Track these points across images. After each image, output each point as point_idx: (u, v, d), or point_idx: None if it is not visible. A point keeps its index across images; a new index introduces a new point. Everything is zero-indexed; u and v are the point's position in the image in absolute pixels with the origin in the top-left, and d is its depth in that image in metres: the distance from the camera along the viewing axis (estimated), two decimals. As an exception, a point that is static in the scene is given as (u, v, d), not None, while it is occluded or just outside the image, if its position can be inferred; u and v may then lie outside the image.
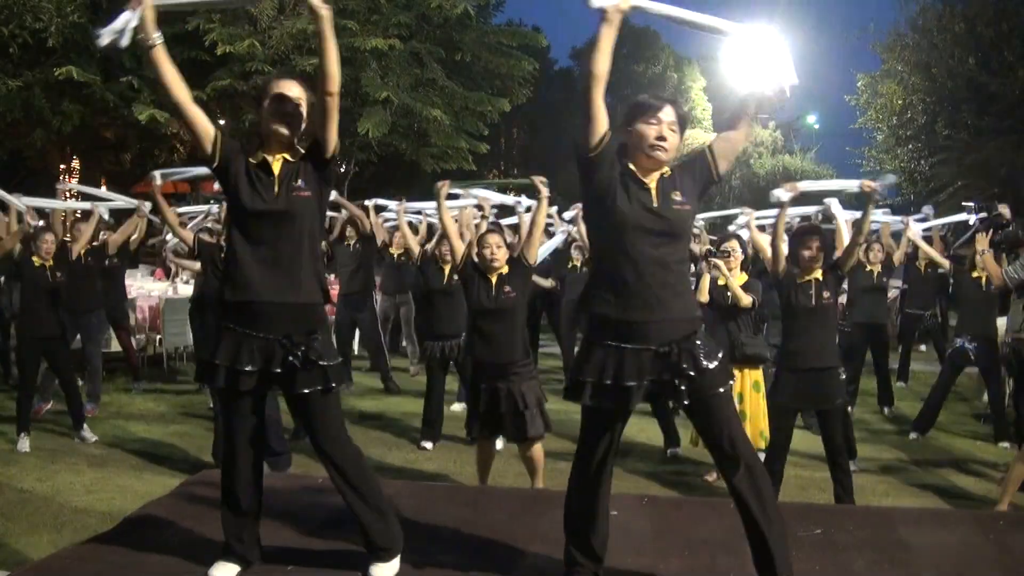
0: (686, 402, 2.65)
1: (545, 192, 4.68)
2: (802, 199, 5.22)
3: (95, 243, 7.06)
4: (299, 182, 2.77)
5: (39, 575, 3.00)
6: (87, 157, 18.71)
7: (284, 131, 2.79)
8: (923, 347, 10.69)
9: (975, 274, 6.34)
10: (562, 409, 7.35)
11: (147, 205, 6.70)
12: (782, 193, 4.77)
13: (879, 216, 8.23)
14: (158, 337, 8.80)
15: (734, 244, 5.54)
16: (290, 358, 2.74)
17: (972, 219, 6.57)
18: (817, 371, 4.52)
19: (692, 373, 2.62)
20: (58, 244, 6.01)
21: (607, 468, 2.82)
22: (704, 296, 5.50)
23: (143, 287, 9.80)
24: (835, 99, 22.36)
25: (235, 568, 2.87)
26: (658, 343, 2.64)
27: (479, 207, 6.59)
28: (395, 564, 2.89)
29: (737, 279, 5.42)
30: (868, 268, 7.10)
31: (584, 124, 2.68)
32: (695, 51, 31.14)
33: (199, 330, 6.32)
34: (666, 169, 2.73)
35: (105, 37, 2.63)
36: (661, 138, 2.68)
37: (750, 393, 5.39)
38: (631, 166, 2.70)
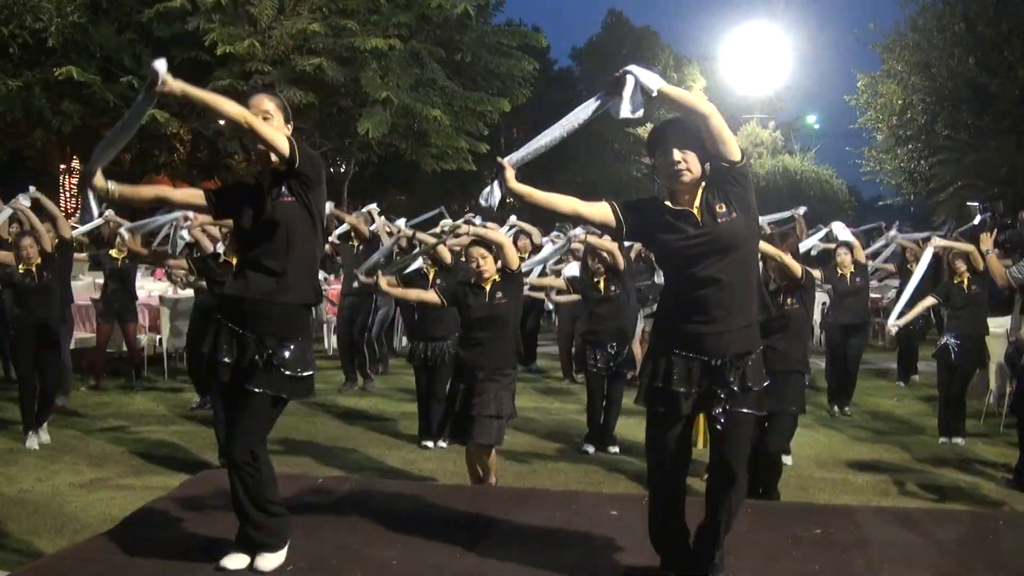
0: (718, 411, 2.74)
1: (465, 228, 5.12)
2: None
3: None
4: (283, 189, 2.95)
5: (39, 575, 3.00)
6: (87, 157, 18.65)
7: (253, 152, 2.99)
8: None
9: (956, 280, 6.32)
10: (557, 408, 7.44)
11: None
12: (840, 231, 5.03)
13: (901, 237, 8.72)
14: (158, 337, 8.79)
15: None
16: (256, 357, 2.90)
17: (978, 218, 6.59)
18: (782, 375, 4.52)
19: (735, 388, 2.72)
20: (39, 246, 5.99)
21: (680, 477, 2.92)
22: None
23: (143, 287, 9.78)
24: (835, 99, 22.37)
25: (246, 558, 2.96)
26: (712, 355, 2.73)
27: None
28: (283, 554, 2.98)
29: None
30: (840, 273, 7.20)
31: (598, 226, 2.95)
32: (695, 51, 31.20)
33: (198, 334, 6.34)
34: (703, 186, 2.77)
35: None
36: (676, 163, 2.73)
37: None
38: (667, 203, 2.79)
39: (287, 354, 2.92)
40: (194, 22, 12.65)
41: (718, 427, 2.77)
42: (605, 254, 6.02)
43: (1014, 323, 5.92)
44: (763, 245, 4.10)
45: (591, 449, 6.01)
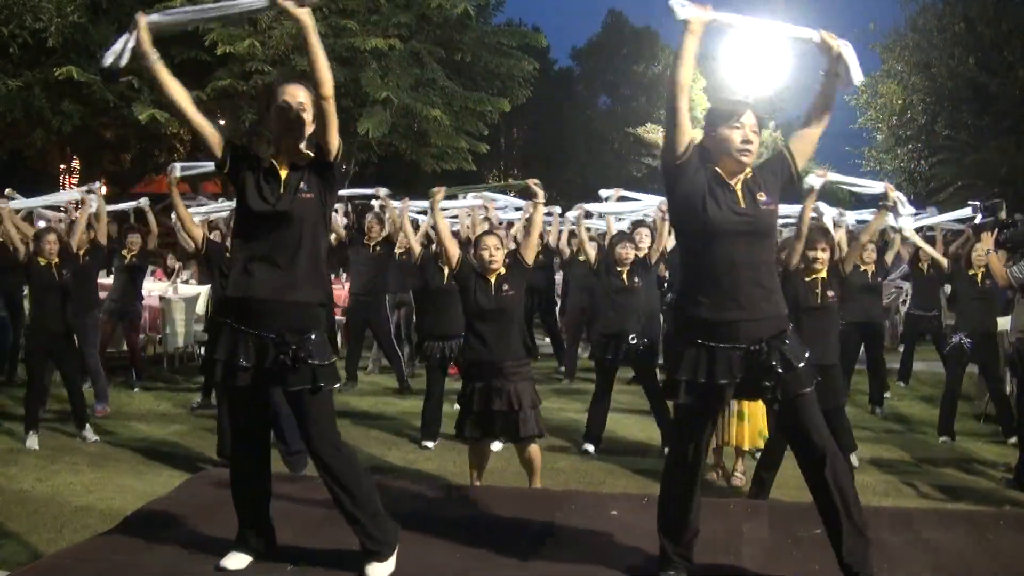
0: (776, 404, 2.74)
1: (541, 195, 4.69)
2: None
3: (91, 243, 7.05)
4: (303, 184, 2.85)
5: (39, 575, 3.00)
6: (87, 157, 18.68)
7: (288, 139, 2.88)
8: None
9: (971, 272, 6.34)
10: (556, 408, 7.43)
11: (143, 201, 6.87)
12: (815, 180, 4.84)
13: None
14: (158, 337, 8.79)
15: None
16: (280, 356, 2.80)
17: (977, 219, 6.58)
18: (820, 369, 4.53)
19: (781, 371, 2.70)
20: (62, 243, 6.05)
21: (699, 466, 2.92)
22: None
23: (143, 287, 9.79)
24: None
25: (247, 558, 2.94)
26: (749, 342, 2.73)
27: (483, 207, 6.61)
28: (390, 563, 2.90)
29: None
30: (862, 268, 7.08)
31: (670, 132, 2.78)
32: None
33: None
34: (748, 170, 2.81)
35: (107, 59, 2.81)
36: (747, 141, 2.78)
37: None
38: (717, 169, 2.78)
39: (311, 346, 2.83)
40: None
41: (780, 416, 2.78)
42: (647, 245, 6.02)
43: (1014, 323, 5.90)
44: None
45: (591, 448, 5.98)
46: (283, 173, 2.87)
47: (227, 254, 5.31)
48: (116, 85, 12.68)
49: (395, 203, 7.51)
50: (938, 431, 6.50)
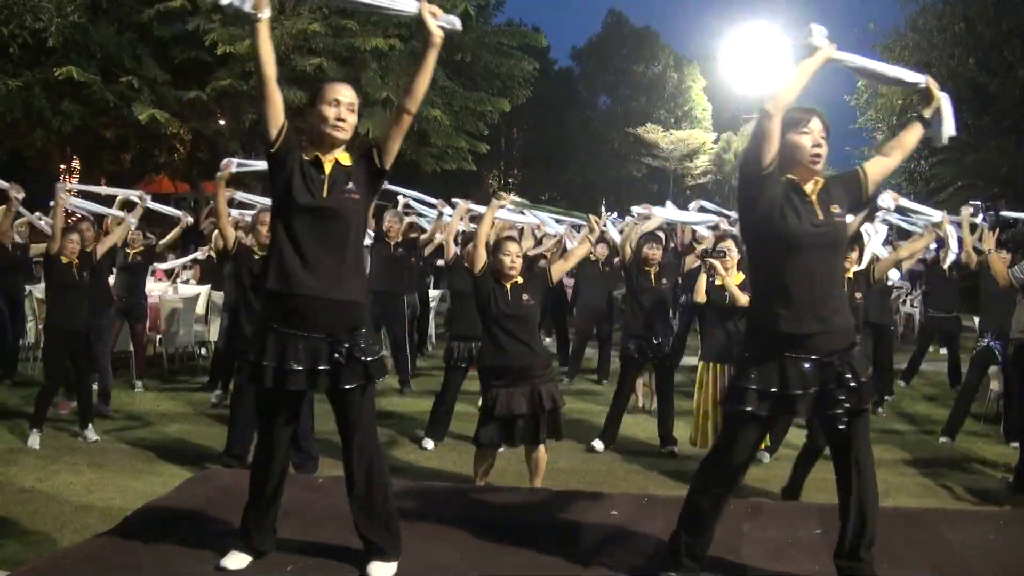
0: (840, 413, 2.72)
1: (597, 229, 4.92)
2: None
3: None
4: (349, 184, 2.86)
5: (39, 575, 3.00)
6: (87, 157, 18.71)
7: (337, 135, 2.88)
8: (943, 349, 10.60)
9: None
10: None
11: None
12: (887, 201, 5.10)
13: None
14: (158, 337, 8.80)
15: (730, 244, 5.55)
16: (336, 355, 2.79)
17: (979, 218, 6.57)
18: None
19: (853, 384, 2.72)
20: (83, 244, 6.10)
21: (742, 476, 2.95)
22: (701, 296, 5.53)
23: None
24: (835, 99, 22.36)
25: (247, 558, 2.94)
26: (823, 354, 2.73)
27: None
28: (394, 565, 2.91)
29: (734, 278, 5.42)
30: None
31: (761, 145, 2.73)
32: (695, 51, 31.17)
33: (232, 334, 6.58)
34: (820, 180, 2.81)
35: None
36: (817, 145, 2.77)
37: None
38: (792, 177, 2.78)
39: (363, 342, 2.83)
40: (194, 22, 12.63)
41: (841, 427, 2.75)
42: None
43: (1016, 324, 5.90)
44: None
45: (600, 446, 6.01)
46: (328, 167, 2.86)
47: (255, 257, 5.29)
48: (116, 85, 12.70)
49: (447, 212, 7.56)
50: (942, 431, 6.48)
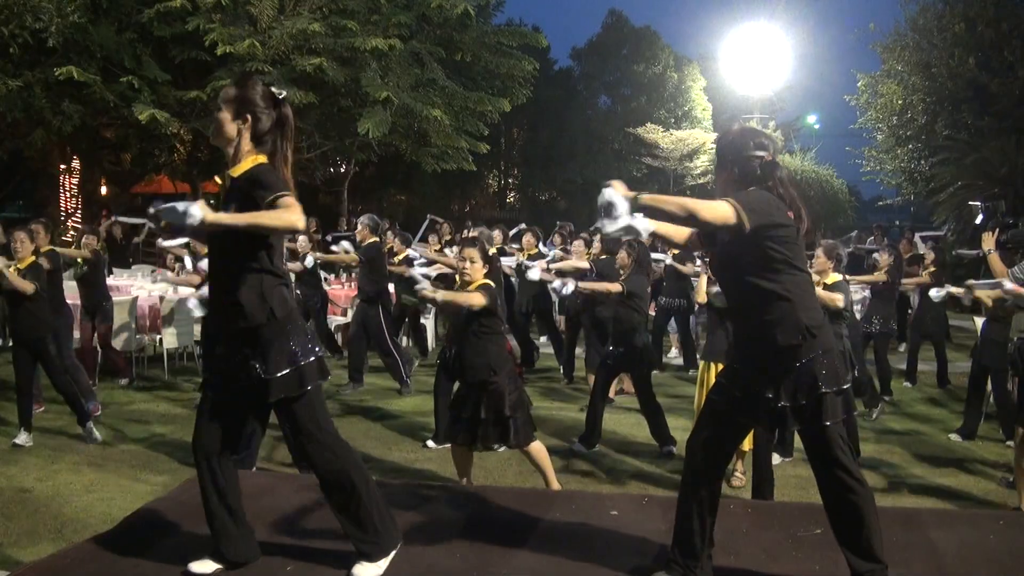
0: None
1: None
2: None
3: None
4: (235, 195, 2.78)
5: (39, 575, 3.00)
6: (87, 157, 18.69)
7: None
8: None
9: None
10: (556, 408, 7.43)
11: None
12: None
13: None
14: (158, 337, 8.79)
15: None
16: (241, 376, 2.82)
17: (979, 218, 6.57)
18: None
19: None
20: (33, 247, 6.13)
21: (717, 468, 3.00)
22: (702, 297, 5.54)
23: (143, 287, 9.79)
24: (835, 99, 22.35)
25: (213, 565, 2.90)
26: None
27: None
28: (381, 565, 2.88)
29: None
30: (876, 275, 7.28)
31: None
32: (695, 51, 31.14)
33: None
34: None
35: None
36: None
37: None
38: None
39: (261, 364, 2.85)
40: (194, 22, 12.62)
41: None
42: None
43: (1016, 324, 5.89)
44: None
45: (583, 448, 6.03)
46: (226, 184, 2.87)
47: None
48: (116, 85, 12.69)
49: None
50: (959, 429, 6.54)
